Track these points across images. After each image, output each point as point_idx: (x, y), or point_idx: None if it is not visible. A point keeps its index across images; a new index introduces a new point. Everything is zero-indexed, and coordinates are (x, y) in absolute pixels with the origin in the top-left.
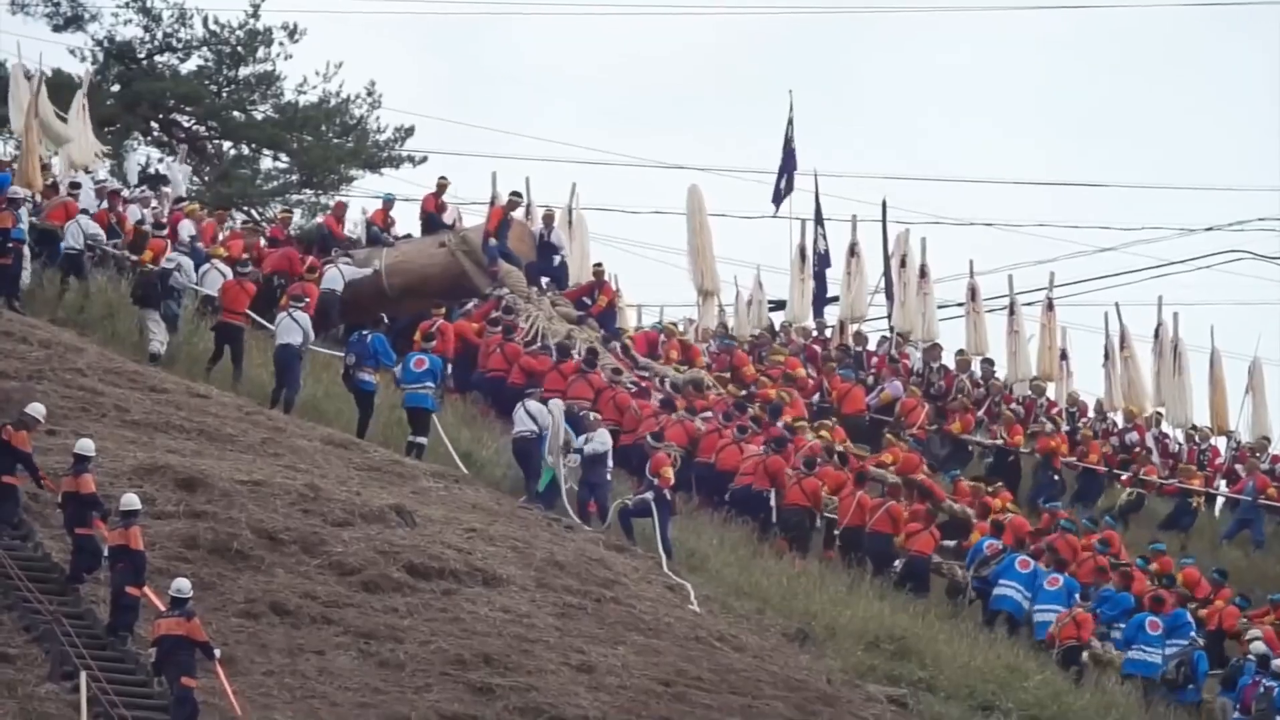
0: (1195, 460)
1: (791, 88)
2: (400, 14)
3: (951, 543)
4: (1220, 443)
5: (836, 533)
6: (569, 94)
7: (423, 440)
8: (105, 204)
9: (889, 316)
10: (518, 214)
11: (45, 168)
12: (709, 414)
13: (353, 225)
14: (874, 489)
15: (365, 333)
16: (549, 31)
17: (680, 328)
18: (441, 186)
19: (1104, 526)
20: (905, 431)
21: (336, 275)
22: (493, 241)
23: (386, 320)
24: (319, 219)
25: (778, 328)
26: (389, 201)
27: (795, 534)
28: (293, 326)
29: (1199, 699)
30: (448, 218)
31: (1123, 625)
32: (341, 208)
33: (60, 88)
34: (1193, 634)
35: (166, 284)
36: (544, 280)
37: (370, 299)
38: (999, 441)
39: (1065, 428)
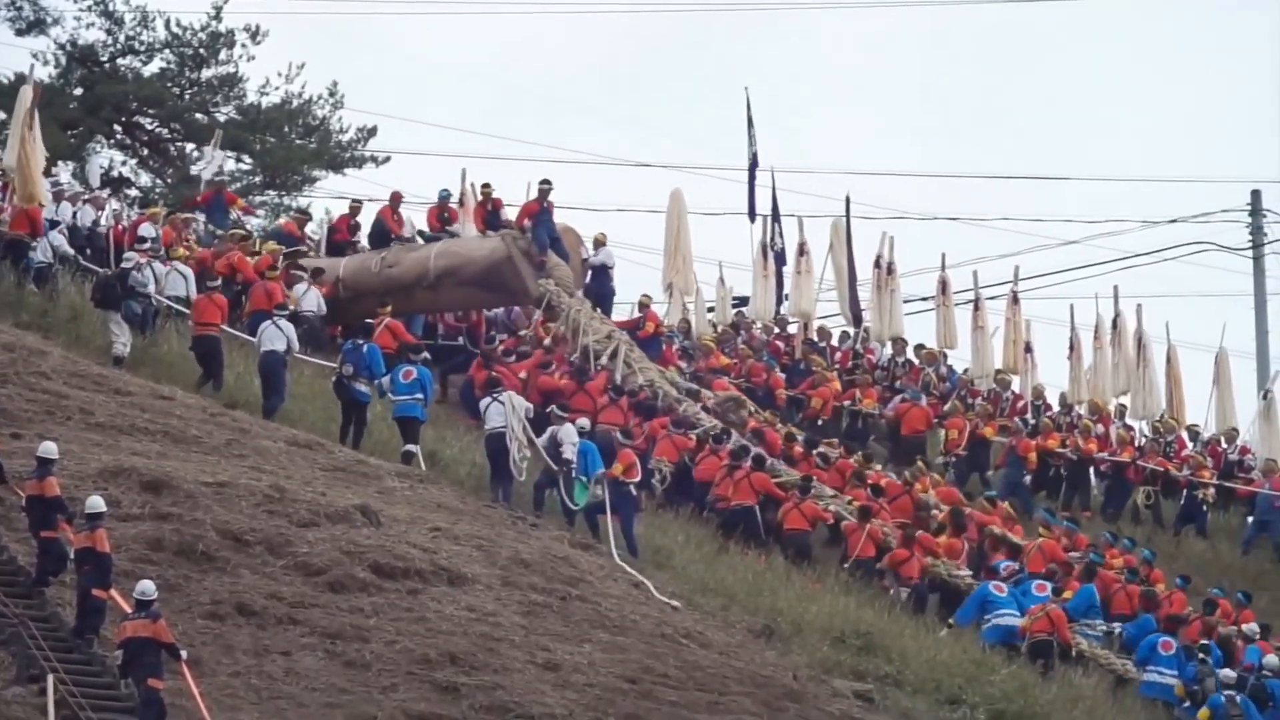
0: (1163, 452)
1: (747, 84)
2: (361, 14)
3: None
4: (1185, 436)
5: (846, 565)
6: (525, 91)
7: (414, 448)
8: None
9: (852, 313)
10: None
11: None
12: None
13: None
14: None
15: (361, 342)
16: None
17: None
18: (486, 194)
19: (1123, 548)
20: (951, 453)
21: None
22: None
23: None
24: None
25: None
26: (444, 198)
27: (799, 555)
28: (277, 334)
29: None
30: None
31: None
32: (356, 208)
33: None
34: (1201, 655)
35: (126, 284)
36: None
37: (412, 281)
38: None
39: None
